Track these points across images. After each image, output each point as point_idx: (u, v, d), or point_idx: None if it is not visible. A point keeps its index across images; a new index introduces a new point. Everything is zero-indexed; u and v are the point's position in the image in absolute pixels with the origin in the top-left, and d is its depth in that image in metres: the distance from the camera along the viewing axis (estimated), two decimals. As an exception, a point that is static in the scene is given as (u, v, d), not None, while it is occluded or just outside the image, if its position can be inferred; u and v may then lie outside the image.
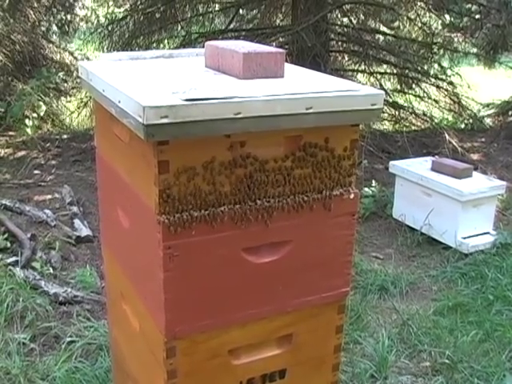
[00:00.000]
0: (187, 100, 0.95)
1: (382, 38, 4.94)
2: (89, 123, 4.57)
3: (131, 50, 4.22)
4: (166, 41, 4.59)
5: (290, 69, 1.30)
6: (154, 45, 4.41)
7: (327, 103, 1.05)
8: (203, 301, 1.09)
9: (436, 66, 4.88)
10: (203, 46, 1.32)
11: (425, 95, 4.77)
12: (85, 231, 2.84)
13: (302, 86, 1.10)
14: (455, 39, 5.22)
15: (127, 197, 1.20)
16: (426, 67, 4.83)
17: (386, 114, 4.67)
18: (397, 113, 4.64)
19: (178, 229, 1.02)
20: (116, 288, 1.42)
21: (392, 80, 4.90)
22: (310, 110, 1.04)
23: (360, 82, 4.74)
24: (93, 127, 1.45)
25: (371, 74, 4.58)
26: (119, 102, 1.04)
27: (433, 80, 4.72)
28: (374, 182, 3.44)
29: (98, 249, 2.57)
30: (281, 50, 1.18)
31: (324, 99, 1.05)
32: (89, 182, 3.53)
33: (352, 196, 1.18)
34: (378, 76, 4.68)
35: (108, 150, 1.33)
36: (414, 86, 4.80)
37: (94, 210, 3.11)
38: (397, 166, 3.11)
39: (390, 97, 4.64)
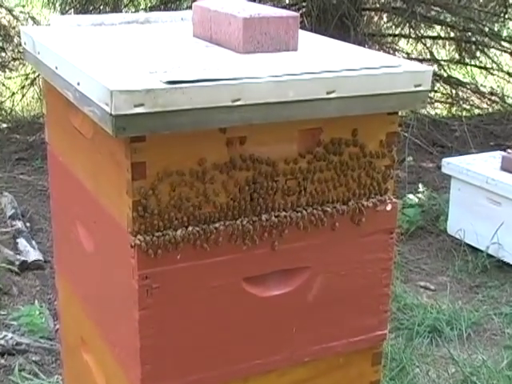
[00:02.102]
0: (169, 82, 0.98)
1: (434, -12, 4.95)
2: (38, 108, 4.60)
3: (94, 9, 4.28)
4: (141, -4, 4.63)
5: (307, 38, 1.33)
6: (125, 1, 4.45)
7: (355, 85, 1.09)
8: (192, 348, 1.12)
9: (511, 24, 4.87)
10: (191, 7, 1.35)
11: (494, 66, 4.77)
12: (33, 255, 2.87)
13: (322, 62, 1.13)
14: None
15: (90, 210, 1.23)
16: (496, 27, 4.83)
17: (438, 94, 4.69)
18: (454, 91, 4.66)
19: (159, 253, 1.06)
20: (75, 332, 1.46)
21: (448, 47, 4.92)
22: (333, 95, 1.07)
23: (403, 52, 4.77)
24: (43, 114, 1.48)
25: (419, 39, 4.60)
26: (78, 84, 1.07)
27: (506, 45, 4.72)
28: (421, 185, 3.47)
29: (51, 278, 2.61)
30: (294, 14, 1.22)
31: (351, 79, 1.08)
32: (38, 189, 3.57)
33: (389, 207, 1.21)
34: (429, 42, 4.70)
35: (64, 147, 1.36)
36: (478, 54, 4.81)
37: (45, 225, 3.15)
38: (453, 164, 3.13)
39: (445, 70, 4.66)
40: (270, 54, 1.18)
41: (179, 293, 1.09)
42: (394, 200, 1.22)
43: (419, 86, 1.13)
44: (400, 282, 2.78)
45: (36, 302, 2.59)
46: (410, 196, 3.36)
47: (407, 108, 1.20)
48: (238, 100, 1.01)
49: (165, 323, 1.09)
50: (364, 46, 4.29)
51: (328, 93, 1.07)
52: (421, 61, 4.70)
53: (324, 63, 1.13)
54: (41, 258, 2.86)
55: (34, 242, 2.99)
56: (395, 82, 1.12)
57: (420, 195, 3.38)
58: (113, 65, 1.10)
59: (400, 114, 1.21)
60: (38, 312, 2.49)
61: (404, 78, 1.12)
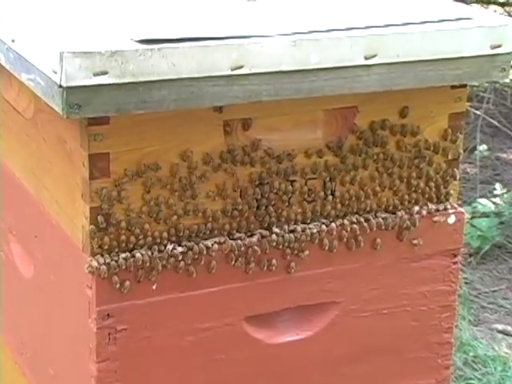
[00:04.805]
0: (144, 41, 0.99)
1: None
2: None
3: None
4: None
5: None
6: None
7: (405, 46, 1.10)
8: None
9: None
10: None
11: None
12: None
13: (359, 14, 1.15)
14: None
15: (30, 220, 1.25)
16: None
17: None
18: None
19: (126, 282, 1.07)
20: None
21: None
22: (374, 60, 1.08)
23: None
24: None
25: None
26: (13, 41, 1.08)
27: None
28: (499, 186, 3.45)
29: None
30: None
31: (399, 39, 1.09)
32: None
33: (452, 219, 1.23)
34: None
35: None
36: None
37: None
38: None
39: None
40: (284, 0, 1.19)
41: (155, 338, 1.10)
42: (459, 209, 1.24)
43: (498, 47, 1.15)
44: (468, 323, 2.77)
45: None
46: (483, 201, 3.33)
47: (480, 79, 1.21)
48: (241, 67, 1.02)
49: (133, 381, 1.10)
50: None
51: (367, 58, 1.08)
52: (502, 5, 4.67)
53: (361, 15, 1.14)
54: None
55: None
56: (463, 41, 1.13)
57: (497, 200, 3.35)
58: (63, 15, 1.11)
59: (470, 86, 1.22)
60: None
61: (476, 35, 1.13)
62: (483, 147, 3.70)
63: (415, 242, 1.21)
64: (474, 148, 3.67)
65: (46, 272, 1.22)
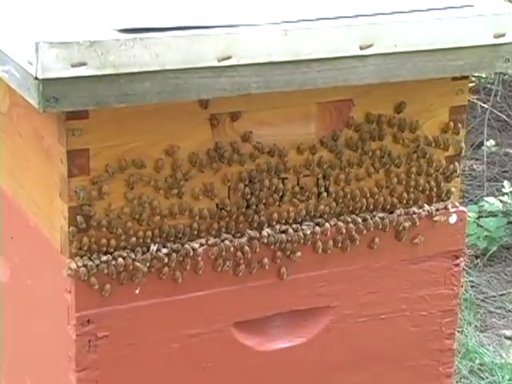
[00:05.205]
0: (125, 30, 0.99)
1: None
2: None
3: None
4: None
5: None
6: None
7: (403, 36, 1.09)
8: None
9: None
10: None
11: None
12: None
13: (354, 2, 1.14)
14: None
15: (6, 220, 1.24)
16: None
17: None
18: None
19: (107, 285, 1.06)
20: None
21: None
22: (370, 51, 1.08)
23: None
24: None
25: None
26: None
27: None
28: (507, 183, 3.44)
29: None
30: None
31: (397, 28, 1.09)
32: None
33: (454, 219, 1.22)
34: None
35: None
36: None
37: None
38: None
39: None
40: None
41: (138, 345, 1.10)
42: (460, 208, 1.24)
43: (502, 36, 1.14)
44: (474, 329, 2.76)
45: None
46: (491, 199, 3.32)
47: (483, 70, 1.20)
48: (228, 58, 1.02)
49: (115, 390, 1.11)
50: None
51: (362, 48, 1.07)
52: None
53: (356, 3, 1.14)
54: None
55: None
56: (464, 30, 1.12)
57: (506, 198, 3.35)
58: (40, 4, 1.10)
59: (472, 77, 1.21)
60: None
61: (478, 24, 1.13)
62: (491, 143, 3.70)
63: (416, 241, 1.21)
64: (481, 143, 3.66)
65: (23, 276, 1.21)
